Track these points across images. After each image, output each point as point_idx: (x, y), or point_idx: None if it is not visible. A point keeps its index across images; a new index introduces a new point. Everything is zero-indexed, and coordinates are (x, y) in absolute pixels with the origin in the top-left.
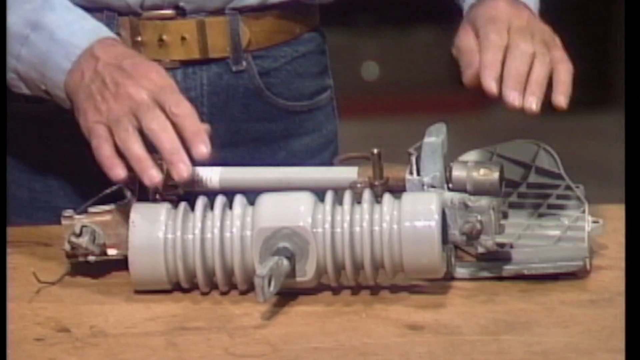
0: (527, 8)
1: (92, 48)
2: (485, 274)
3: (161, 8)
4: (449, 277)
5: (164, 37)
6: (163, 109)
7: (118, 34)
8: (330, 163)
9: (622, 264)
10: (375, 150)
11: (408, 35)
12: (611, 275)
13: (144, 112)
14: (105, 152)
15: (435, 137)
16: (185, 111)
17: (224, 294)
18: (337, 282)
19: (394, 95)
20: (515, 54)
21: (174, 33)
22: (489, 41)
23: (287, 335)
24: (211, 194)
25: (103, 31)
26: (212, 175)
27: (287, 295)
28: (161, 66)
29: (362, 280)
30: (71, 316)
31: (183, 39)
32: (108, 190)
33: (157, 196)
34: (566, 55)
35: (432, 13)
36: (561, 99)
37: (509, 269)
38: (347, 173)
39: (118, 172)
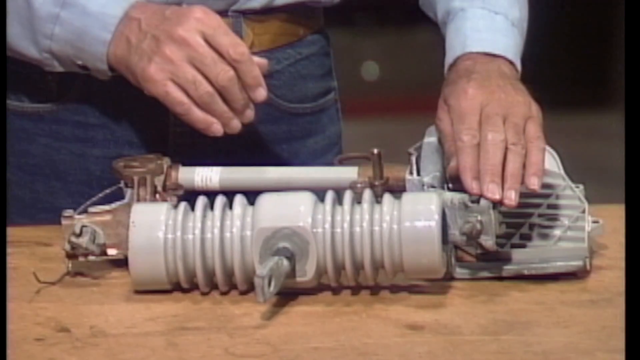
0: (500, 66)
1: (128, 13)
2: (485, 274)
3: None
4: (449, 277)
5: None
6: (219, 52)
7: None
8: (331, 164)
9: (622, 264)
10: (375, 150)
11: (408, 35)
12: (611, 275)
13: (210, 67)
14: (197, 116)
15: (435, 137)
16: (243, 55)
17: (224, 294)
18: (337, 282)
19: (394, 95)
20: (487, 148)
21: None
22: (462, 142)
23: (287, 335)
24: (211, 194)
25: None
26: (212, 175)
27: (287, 295)
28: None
29: (362, 280)
30: (71, 316)
31: None
32: (108, 190)
33: (157, 196)
34: (539, 128)
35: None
36: (533, 180)
37: (509, 269)
38: (347, 173)
39: (218, 129)
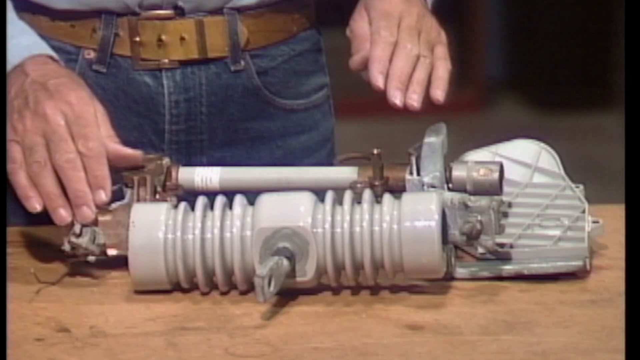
0: (420, 1)
1: (24, 64)
2: (485, 274)
3: (160, 8)
4: (449, 277)
5: (163, 37)
6: (74, 141)
7: (116, 34)
8: (327, 161)
9: (622, 264)
10: (375, 150)
11: None
12: (611, 275)
13: (55, 142)
14: (20, 180)
15: (435, 137)
16: (92, 151)
17: (224, 294)
18: (337, 282)
19: None
20: (402, 54)
21: (173, 33)
22: (379, 36)
23: (287, 335)
24: (211, 194)
25: (41, 48)
26: (212, 175)
27: (287, 295)
28: (86, 91)
29: (362, 280)
30: (71, 316)
31: (182, 39)
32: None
33: (157, 196)
34: (447, 53)
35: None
36: (438, 92)
37: (509, 269)
38: (347, 173)
39: (34, 204)
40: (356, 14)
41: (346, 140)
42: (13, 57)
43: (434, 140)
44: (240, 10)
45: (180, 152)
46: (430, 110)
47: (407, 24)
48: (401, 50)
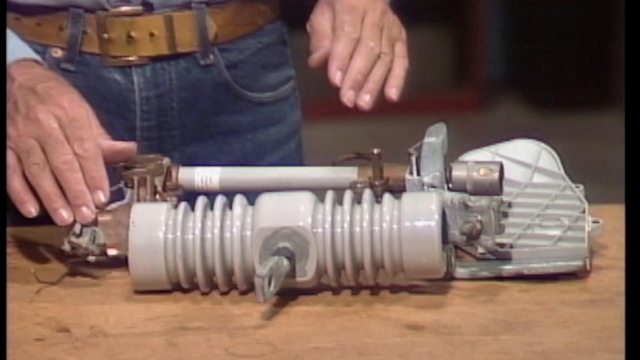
0: None
1: (9, 68)
2: (485, 274)
3: (129, 3)
4: (449, 277)
5: (132, 33)
6: (70, 143)
7: (84, 32)
8: (297, 153)
9: (622, 264)
10: (375, 150)
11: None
12: (611, 275)
13: (51, 145)
14: (15, 185)
15: (435, 137)
16: (88, 152)
17: (224, 294)
18: (337, 282)
19: None
20: (363, 52)
21: (142, 29)
22: (342, 31)
23: (287, 335)
24: (211, 194)
25: (25, 52)
26: (212, 175)
27: (287, 295)
28: (76, 94)
29: (362, 280)
30: (71, 316)
31: (152, 35)
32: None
33: (157, 196)
34: (406, 50)
35: (432, 13)
36: (392, 91)
37: (509, 269)
38: (347, 173)
39: (29, 209)
40: (317, 8)
41: (346, 140)
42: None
43: (434, 140)
44: (208, 4)
45: (151, 148)
46: (431, 110)
47: (370, 20)
48: (363, 48)
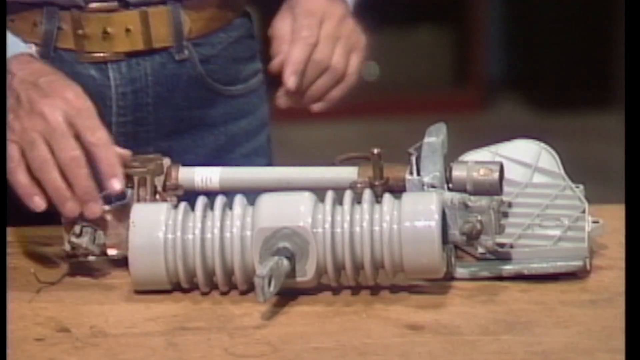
0: (344, 2)
1: (7, 63)
2: (485, 274)
3: (104, 1)
4: (449, 277)
5: (109, 29)
6: (77, 135)
7: (59, 28)
8: (267, 145)
9: (622, 264)
10: (375, 150)
11: (408, 35)
12: (611, 275)
13: (57, 140)
14: (20, 179)
15: (435, 137)
16: (101, 140)
17: (224, 294)
18: (337, 282)
19: (394, 95)
20: (314, 64)
21: (118, 25)
22: (300, 36)
23: (287, 335)
24: (211, 194)
25: (19, 47)
26: (212, 175)
27: (287, 295)
28: (78, 87)
29: (362, 280)
30: (71, 316)
31: (127, 30)
32: (108, 190)
33: (157, 196)
34: (359, 63)
35: (432, 13)
36: (318, 105)
37: (509, 269)
38: (347, 173)
39: (38, 202)
40: (279, 13)
41: (346, 140)
42: None
43: (434, 140)
44: (181, 1)
45: (127, 143)
46: (431, 110)
47: (327, 27)
48: (315, 58)
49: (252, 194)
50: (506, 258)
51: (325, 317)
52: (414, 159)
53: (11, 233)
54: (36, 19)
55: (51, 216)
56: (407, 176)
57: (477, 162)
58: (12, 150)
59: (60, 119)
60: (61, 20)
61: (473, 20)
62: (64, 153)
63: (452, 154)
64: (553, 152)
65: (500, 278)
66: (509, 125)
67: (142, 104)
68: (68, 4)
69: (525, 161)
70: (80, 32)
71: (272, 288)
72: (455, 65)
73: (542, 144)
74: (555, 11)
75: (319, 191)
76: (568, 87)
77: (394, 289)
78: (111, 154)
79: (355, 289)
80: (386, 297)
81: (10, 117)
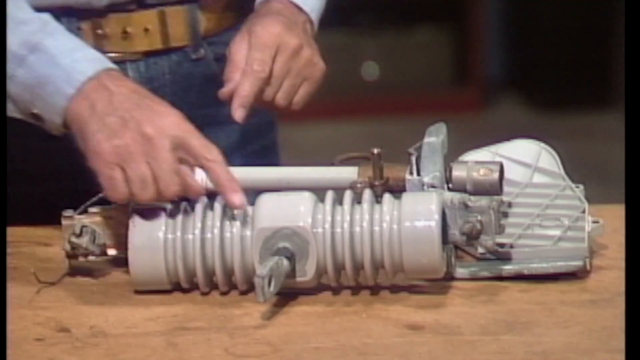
0: (305, 22)
1: (100, 78)
2: (485, 274)
3: (125, 4)
4: (449, 277)
5: (128, 29)
6: (192, 155)
7: (79, 28)
8: (277, 142)
9: (622, 264)
10: (375, 150)
11: (408, 35)
12: (611, 275)
13: (163, 174)
14: (119, 198)
15: (435, 137)
16: (218, 157)
17: (224, 294)
18: (337, 282)
19: (394, 95)
20: (260, 100)
21: (137, 25)
22: (252, 69)
23: (287, 335)
24: (211, 194)
25: (108, 61)
26: None
27: (287, 295)
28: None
29: (362, 280)
30: (71, 316)
31: (146, 30)
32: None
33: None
34: (307, 96)
35: (432, 13)
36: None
37: (509, 269)
38: (347, 173)
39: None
40: (238, 35)
41: (346, 140)
42: (86, 69)
43: (434, 140)
44: (198, 1)
45: None
46: (431, 110)
47: (279, 61)
48: (263, 94)
49: (252, 194)
50: (506, 258)
51: (325, 317)
52: (414, 159)
53: (11, 233)
54: (57, 20)
55: (51, 216)
56: (407, 176)
57: (477, 162)
58: (120, 182)
59: (167, 145)
60: (81, 20)
61: (473, 20)
62: (170, 190)
63: (452, 154)
64: (553, 152)
65: (500, 278)
66: (509, 125)
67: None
68: (86, 7)
69: (525, 161)
70: (99, 32)
71: (272, 288)
72: (455, 65)
73: (542, 144)
74: (555, 11)
75: (319, 191)
76: (568, 87)
77: (394, 289)
78: (228, 170)
79: (355, 289)
80: (386, 297)
81: (115, 134)
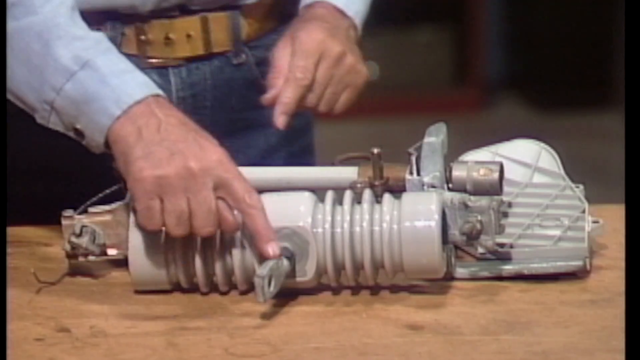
0: (348, 27)
1: (149, 104)
2: (485, 274)
3: (168, 10)
4: (449, 277)
5: (171, 35)
6: (233, 198)
7: (123, 34)
8: (312, 144)
9: (622, 264)
10: (375, 150)
11: (408, 35)
12: (611, 275)
13: (200, 213)
14: (152, 229)
15: (435, 137)
16: (259, 203)
17: (224, 294)
18: (337, 282)
19: (394, 95)
20: (303, 107)
21: (180, 31)
22: (294, 76)
23: (287, 335)
24: None
25: (155, 87)
26: None
27: (287, 295)
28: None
29: (362, 280)
30: (71, 316)
31: (188, 36)
32: (108, 191)
33: None
34: (349, 101)
35: (432, 13)
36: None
37: (509, 269)
38: (347, 173)
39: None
40: (282, 41)
41: (346, 140)
42: (134, 92)
43: (434, 140)
44: (240, 7)
45: None
46: (431, 110)
47: (322, 68)
48: (305, 101)
49: None
50: (506, 258)
51: (325, 317)
52: (414, 159)
53: (11, 233)
54: (101, 26)
55: (51, 216)
56: (407, 176)
57: (477, 162)
58: (156, 213)
59: (209, 185)
60: (124, 26)
61: (473, 20)
62: (205, 230)
63: (452, 154)
64: (553, 152)
65: (500, 278)
66: (509, 125)
67: (200, 107)
68: (130, 11)
69: (525, 161)
70: (142, 37)
71: (272, 288)
72: (455, 65)
73: (542, 144)
74: (556, 11)
75: (319, 191)
76: (568, 87)
77: (394, 289)
78: (266, 219)
79: (355, 289)
80: (386, 297)
81: (160, 164)
